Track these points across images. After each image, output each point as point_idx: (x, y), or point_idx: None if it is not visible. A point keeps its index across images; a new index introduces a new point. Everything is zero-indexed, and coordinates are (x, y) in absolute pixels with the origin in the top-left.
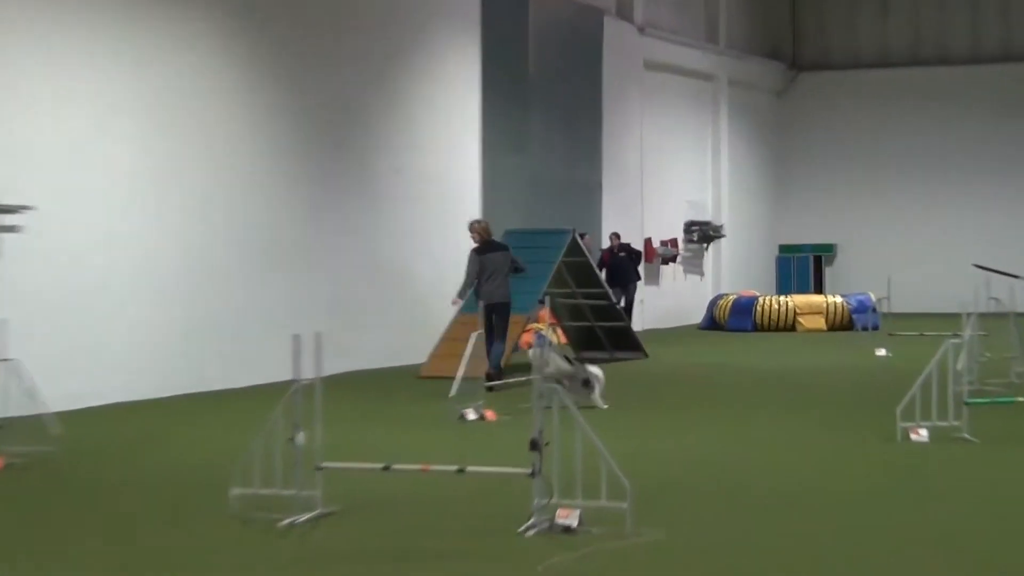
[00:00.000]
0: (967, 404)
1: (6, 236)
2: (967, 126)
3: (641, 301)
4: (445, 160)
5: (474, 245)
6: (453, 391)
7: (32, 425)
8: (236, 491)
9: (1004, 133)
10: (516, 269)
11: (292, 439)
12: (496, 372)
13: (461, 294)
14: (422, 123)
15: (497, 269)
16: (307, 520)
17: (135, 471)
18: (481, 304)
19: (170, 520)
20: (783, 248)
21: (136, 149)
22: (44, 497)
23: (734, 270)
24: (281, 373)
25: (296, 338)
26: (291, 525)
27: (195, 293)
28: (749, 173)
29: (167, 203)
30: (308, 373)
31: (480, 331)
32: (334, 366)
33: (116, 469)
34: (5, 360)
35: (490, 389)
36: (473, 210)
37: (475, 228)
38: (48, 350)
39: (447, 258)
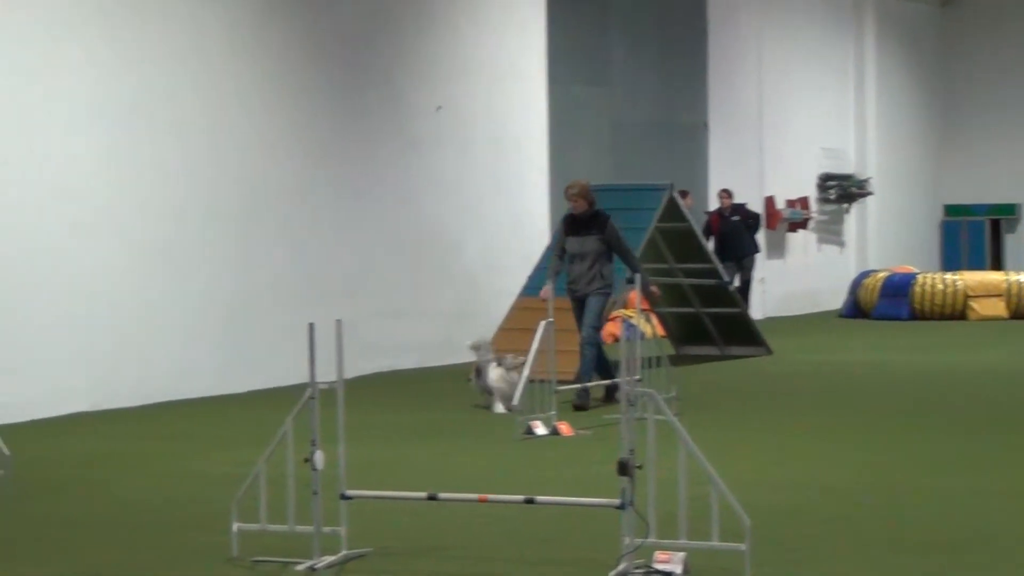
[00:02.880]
0: None
1: None
2: None
3: (761, 280)
4: (501, 95)
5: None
6: (516, 398)
7: None
8: (237, 527)
9: None
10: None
11: (308, 460)
12: (585, 393)
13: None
14: (471, 46)
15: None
16: (330, 565)
17: (106, 503)
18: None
19: (154, 566)
20: (950, 210)
21: (93, 77)
22: None
23: (885, 239)
24: (291, 374)
25: (311, 328)
26: (310, 571)
27: (173, 271)
28: (905, 111)
29: (130, 153)
30: (327, 374)
31: (550, 320)
32: (360, 365)
33: (82, 500)
34: None
35: (580, 408)
36: (538, 160)
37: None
38: None
39: (505, 222)
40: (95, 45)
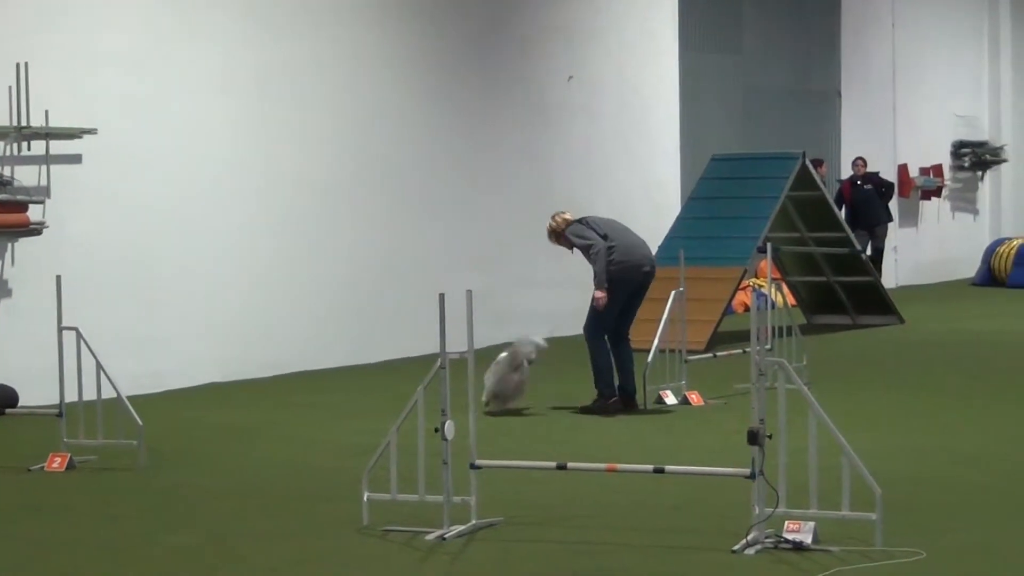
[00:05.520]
0: None
1: (60, 169)
2: None
3: (894, 248)
4: (632, 63)
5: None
6: (648, 367)
7: (103, 413)
8: (368, 497)
9: None
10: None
11: (438, 430)
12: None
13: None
14: (601, 13)
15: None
16: (459, 534)
17: (237, 473)
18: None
19: (284, 534)
20: None
21: (227, 50)
22: (125, 507)
23: (1019, 206)
24: (423, 345)
25: (441, 299)
26: (439, 540)
27: (304, 243)
28: None
29: (259, 125)
30: (457, 345)
31: (681, 289)
32: (490, 335)
33: (213, 470)
34: (66, 328)
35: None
36: (668, 129)
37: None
38: (112, 317)
39: (635, 190)
40: (224, 18)
